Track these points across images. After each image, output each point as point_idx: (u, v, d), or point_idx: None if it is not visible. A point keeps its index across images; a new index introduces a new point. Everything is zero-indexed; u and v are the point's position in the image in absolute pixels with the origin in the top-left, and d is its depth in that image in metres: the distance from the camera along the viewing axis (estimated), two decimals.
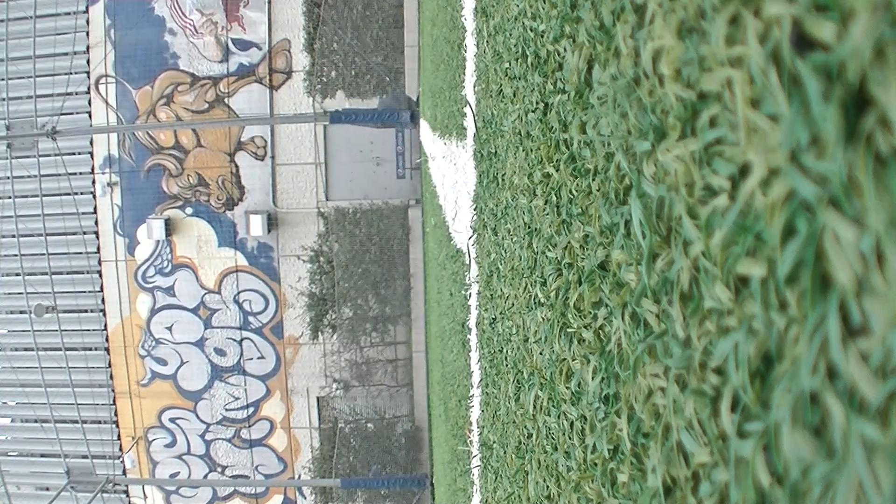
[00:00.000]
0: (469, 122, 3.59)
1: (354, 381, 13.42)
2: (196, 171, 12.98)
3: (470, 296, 3.69)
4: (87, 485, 12.46)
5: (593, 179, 1.18)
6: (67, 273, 13.05)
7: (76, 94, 12.59)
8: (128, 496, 14.11)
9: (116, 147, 12.95)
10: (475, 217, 3.31)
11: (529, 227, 1.78)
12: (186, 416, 13.58)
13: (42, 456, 13.89)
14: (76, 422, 12.76)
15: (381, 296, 13.22)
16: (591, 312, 1.19)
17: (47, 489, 13.58)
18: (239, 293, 13.22)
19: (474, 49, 3.47)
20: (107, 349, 13.40)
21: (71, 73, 12.47)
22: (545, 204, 1.57)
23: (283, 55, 12.88)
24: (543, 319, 1.58)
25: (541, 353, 1.62)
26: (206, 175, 12.99)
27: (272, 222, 13.00)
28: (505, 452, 2.26)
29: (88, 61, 12.81)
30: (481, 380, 3.13)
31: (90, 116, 12.87)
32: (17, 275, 12.74)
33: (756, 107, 0.60)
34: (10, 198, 12.21)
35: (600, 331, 1.15)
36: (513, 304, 2.07)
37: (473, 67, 3.47)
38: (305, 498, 14.01)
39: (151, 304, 13.28)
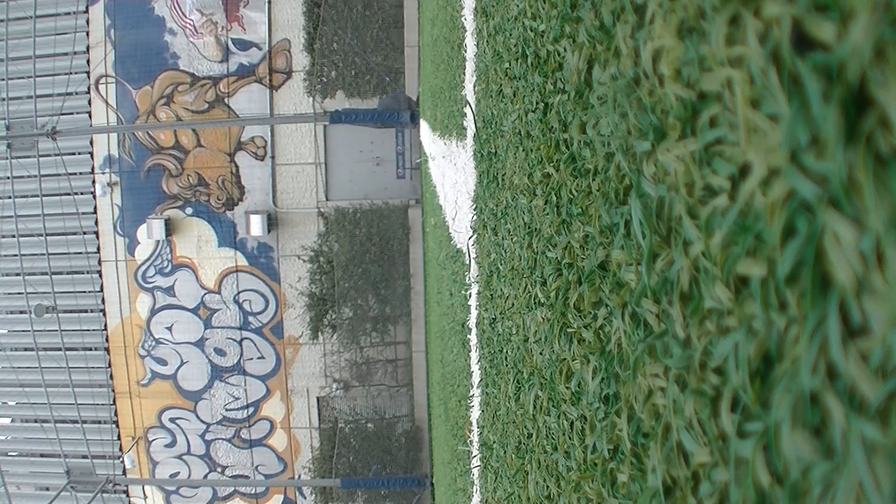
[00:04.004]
0: (469, 122, 3.59)
1: (354, 381, 13.42)
2: (196, 171, 12.98)
3: (470, 296, 3.69)
4: (87, 485, 12.46)
5: (593, 179, 1.18)
6: (67, 273, 13.05)
7: (76, 94, 12.59)
8: (128, 496, 14.10)
9: (116, 147, 12.95)
10: (475, 217, 3.31)
11: (529, 227, 1.78)
12: (186, 416, 13.58)
13: (42, 456, 13.89)
14: (76, 422, 12.76)
15: (381, 296, 13.21)
16: (591, 312, 1.19)
17: (47, 489, 13.58)
18: (239, 293, 13.22)
19: (474, 49, 3.46)
20: (107, 349, 13.40)
21: (71, 73, 12.47)
22: (545, 204, 1.57)
23: (283, 55, 12.87)
24: (543, 319, 1.58)
25: (541, 353, 1.62)
26: (206, 175, 12.99)
27: (272, 222, 13.00)
28: (505, 452, 2.26)
29: (88, 61, 12.81)
30: (481, 380, 3.13)
31: (90, 116, 12.87)
32: (17, 275, 12.74)
33: (756, 107, 0.60)
34: (10, 198, 12.21)
35: (600, 331, 1.15)
36: (513, 304, 2.07)
37: (473, 67, 3.47)
38: (305, 498, 14.01)
39: (151, 304, 13.28)
